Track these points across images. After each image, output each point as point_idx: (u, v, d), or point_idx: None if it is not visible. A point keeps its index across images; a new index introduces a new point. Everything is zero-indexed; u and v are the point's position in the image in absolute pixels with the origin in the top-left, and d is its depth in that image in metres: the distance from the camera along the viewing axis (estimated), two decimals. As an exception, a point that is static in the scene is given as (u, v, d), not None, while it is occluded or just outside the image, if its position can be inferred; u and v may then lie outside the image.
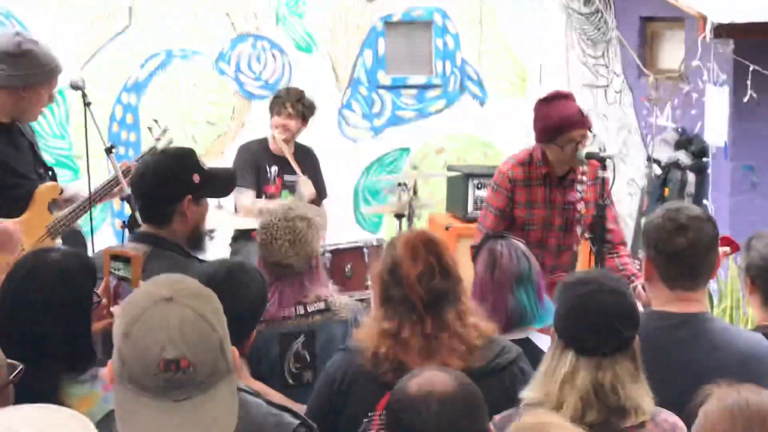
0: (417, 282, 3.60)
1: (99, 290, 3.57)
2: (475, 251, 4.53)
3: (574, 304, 3.19)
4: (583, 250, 6.12)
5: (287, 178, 7.77)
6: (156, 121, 6.60)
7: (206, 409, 2.40)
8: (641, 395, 3.13)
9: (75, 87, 5.68)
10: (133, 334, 2.40)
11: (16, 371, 2.91)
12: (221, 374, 2.44)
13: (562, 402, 3.11)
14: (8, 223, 5.03)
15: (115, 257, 3.70)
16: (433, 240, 3.68)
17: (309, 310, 4.44)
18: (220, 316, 2.49)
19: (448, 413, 2.76)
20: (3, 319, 3.35)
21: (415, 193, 7.31)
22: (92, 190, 5.55)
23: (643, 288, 5.32)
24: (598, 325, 3.12)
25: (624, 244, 5.92)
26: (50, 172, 5.72)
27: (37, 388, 3.13)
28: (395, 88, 9.07)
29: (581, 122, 5.62)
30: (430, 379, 2.83)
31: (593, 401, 3.09)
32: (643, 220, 7.79)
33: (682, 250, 3.69)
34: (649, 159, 7.76)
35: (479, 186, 8.26)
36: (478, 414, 2.82)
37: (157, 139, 6.04)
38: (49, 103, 5.53)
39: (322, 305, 4.46)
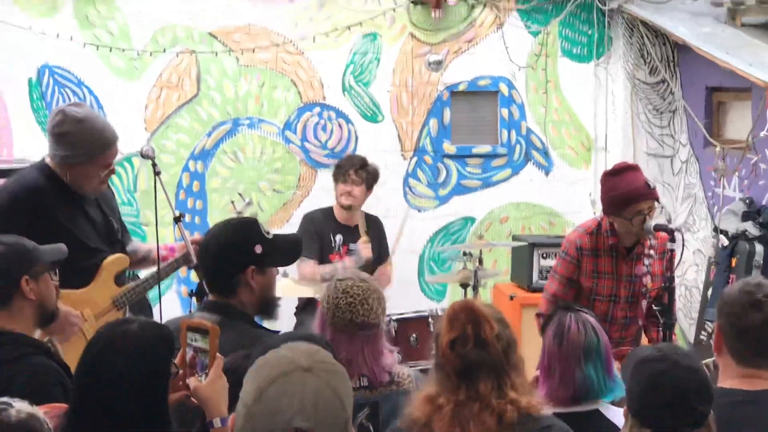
0: (449, 349, 3.54)
1: (176, 360, 3.58)
2: (544, 322, 4.51)
3: (649, 383, 3.15)
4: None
5: (352, 246, 7.80)
6: (240, 194, 6.68)
7: None
8: None
9: (145, 156, 5.74)
10: (267, 396, 2.43)
11: None
12: None
13: None
14: (66, 309, 5.05)
15: (192, 329, 3.71)
16: (474, 309, 3.60)
17: (373, 382, 4.42)
18: (349, 396, 2.51)
19: None
20: (81, 390, 3.37)
21: (480, 262, 7.31)
22: (161, 265, 5.60)
23: (707, 368, 5.30)
24: (675, 402, 3.09)
25: (675, 320, 5.89)
26: (122, 242, 5.75)
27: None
28: (460, 157, 9.09)
29: (648, 194, 5.61)
30: None
31: None
32: (710, 291, 7.73)
33: (754, 327, 3.65)
34: (716, 230, 7.69)
35: (544, 255, 8.24)
36: None
37: (239, 213, 6.06)
38: (110, 175, 5.56)
39: (385, 377, 4.44)
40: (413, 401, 3.65)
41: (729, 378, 3.73)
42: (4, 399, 3.02)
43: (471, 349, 3.53)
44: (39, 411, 3.02)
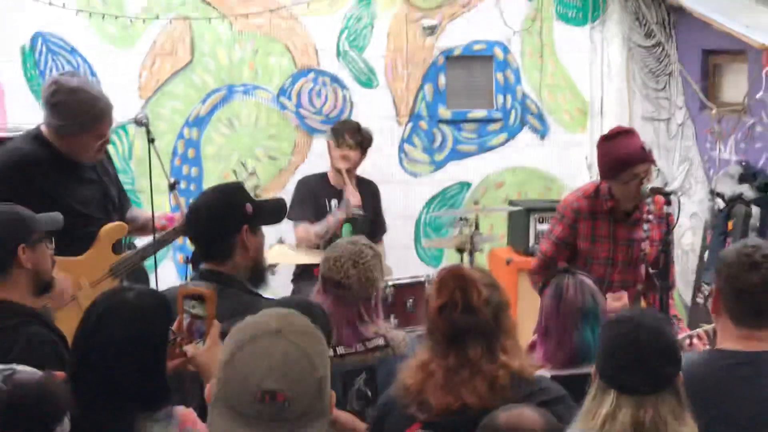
0: (438, 314, 3.58)
1: (173, 327, 3.58)
2: (542, 285, 4.51)
3: (612, 343, 3.17)
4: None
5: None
6: (243, 163, 6.69)
7: None
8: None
9: (139, 123, 5.75)
10: (237, 360, 2.47)
11: None
12: (315, 415, 2.48)
13: None
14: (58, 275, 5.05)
15: (189, 296, 3.71)
16: (462, 275, 3.63)
17: (368, 346, 4.43)
18: (324, 358, 2.54)
19: None
20: (79, 358, 3.39)
21: (476, 227, 7.31)
22: (158, 236, 5.60)
23: (706, 334, 5.31)
24: (635, 363, 3.09)
25: (673, 284, 5.91)
26: (121, 205, 5.74)
27: (114, 426, 3.18)
28: (456, 122, 9.07)
29: (644, 157, 5.62)
30: (518, 415, 2.85)
31: None
32: (706, 254, 7.74)
33: (753, 287, 3.66)
34: (713, 193, 7.69)
35: (540, 220, 8.24)
36: None
37: (243, 182, 6.08)
38: (105, 145, 5.55)
39: (381, 341, 4.44)
40: (406, 368, 3.67)
41: (727, 340, 3.74)
42: (9, 365, 3.04)
43: (459, 314, 3.55)
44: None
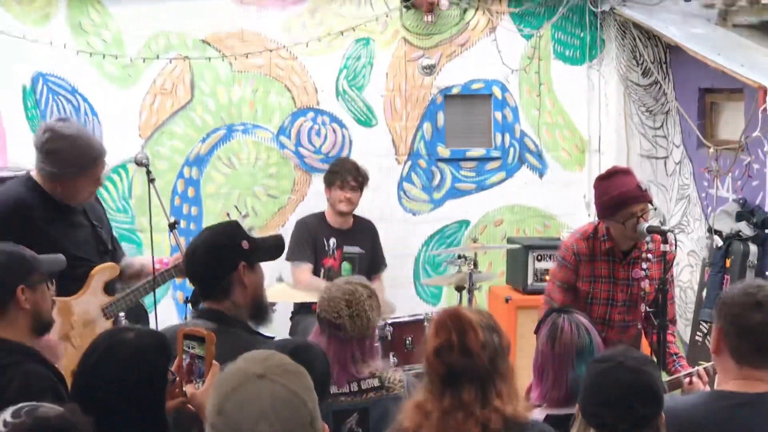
0: (435, 356, 3.55)
1: (173, 368, 3.59)
2: (538, 324, 4.52)
3: (593, 381, 3.18)
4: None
5: (347, 249, 7.84)
6: (236, 207, 6.72)
7: None
8: None
9: (139, 163, 5.77)
10: (227, 410, 2.48)
11: None
12: None
13: None
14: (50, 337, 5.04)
15: (189, 336, 3.72)
16: (460, 316, 3.60)
17: (363, 387, 4.42)
18: (310, 393, 2.56)
19: None
20: (79, 396, 3.39)
21: (475, 265, 7.31)
22: (156, 275, 5.61)
23: (706, 372, 5.30)
24: (615, 401, 3.11)
25: (674, 322, 5.90)
26: (113, 250, 5.76)
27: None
28: (454, 160, 9.08)
29: (641, 197, 5.61)
30: None
31: None
32: (704, 292, 7.73)
33: (756, 327, 3.66)
34: (710, 230, 7.70)
35: (539, 258, 8.23)
36: None
37: None
38: (98, 187, 5.58)
39: (375, 382, 4.43)
40: (404, 408, 3.67)
41: (728, 380, 3.73)
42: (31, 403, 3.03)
43: (456, 356, 3.52)
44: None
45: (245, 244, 4.50)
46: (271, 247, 4.76)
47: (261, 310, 4.63)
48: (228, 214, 6.39)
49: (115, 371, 3.34)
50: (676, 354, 5.76)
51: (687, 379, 5.42)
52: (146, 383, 3.36)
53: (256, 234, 5.87)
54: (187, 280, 5.53)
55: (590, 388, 3.16)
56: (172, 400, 3.57)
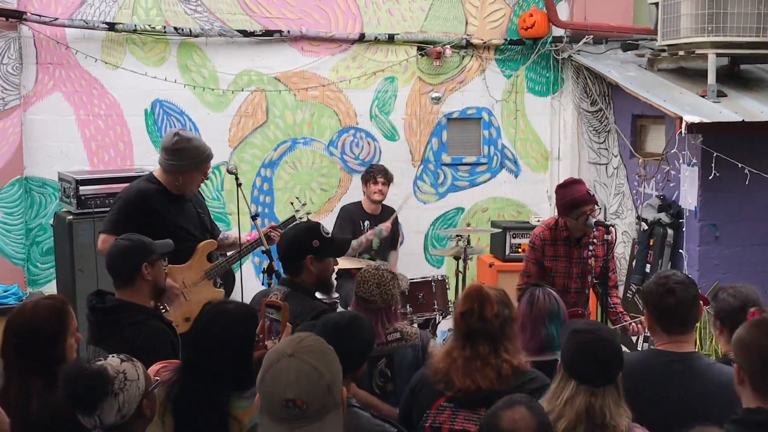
0: (460, 318, 3.55)
1: (257, 329, 3.55)
2: (520, 294, 4.45)
3: (577, 348, 3.10)
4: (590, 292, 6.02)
5: (377, 227, 7.80)
6: (297, 197, 6.68)
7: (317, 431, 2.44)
8: (620, 415, 3.05)
9: (230, 172, 5.72)
10: (266, 380, 2.49)
11: (154, 385, 2.98)
12: (329, 408, 2.46)
13: (561, 416, 3.04)
14: (169, 283, 5.00)
15: (269, 305, 3.68)
16: (482, 292, 3.58)
17: (388, 339, 4.38)
18: (330, 366, 2.50)
19: None
20: (190, 354, 3.39)
21: (468, 241, 7.25)
22: (242, 248, 5.58)
23: (641, 322, 5.24)
24: (594, 363, 3.04)
25: (616, 288, 5.85)
26: (212, 230, 5.71)
27: (215, 400, 3.14)
28: (454, 165, 9.02)
29: (590, 200, 5.58)
30: (516, 418, 2.73)
31: (584, 418, 3.02)
32: (634, 263, 7.66)
33: (672, 308, 3.59)
34: (639, 218, 7.64)
35: (514, 236, 8.28)
36: None
37: (297, 210, 6.07)
38: (205, 179, 5.54)
39: (397, 335, 4.39)
40: (436, 354, 3.64)
41: (660, 344, 3.66)
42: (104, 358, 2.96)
43: (475, 320, 3.53)
44: (127, 366, 2.94)
45: (315, 243, 4.45)
46: (336, 248, 4.68)
47: (325, 286, 4.63)
48: (292, 203, 6.31)
49: (219, 333, 3.32)
50: (621, 312, 5.70)
51: (631, 327, 5.44)
52: (240, 342, 3.34)
53: (311, 218, 5.85)
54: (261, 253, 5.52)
55: (575, 352, 3.09)
56: (257, 351, 3.54)
